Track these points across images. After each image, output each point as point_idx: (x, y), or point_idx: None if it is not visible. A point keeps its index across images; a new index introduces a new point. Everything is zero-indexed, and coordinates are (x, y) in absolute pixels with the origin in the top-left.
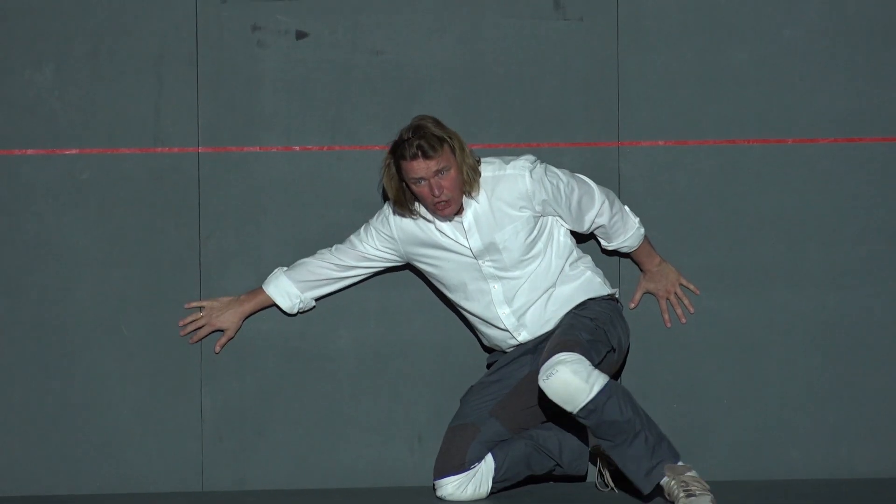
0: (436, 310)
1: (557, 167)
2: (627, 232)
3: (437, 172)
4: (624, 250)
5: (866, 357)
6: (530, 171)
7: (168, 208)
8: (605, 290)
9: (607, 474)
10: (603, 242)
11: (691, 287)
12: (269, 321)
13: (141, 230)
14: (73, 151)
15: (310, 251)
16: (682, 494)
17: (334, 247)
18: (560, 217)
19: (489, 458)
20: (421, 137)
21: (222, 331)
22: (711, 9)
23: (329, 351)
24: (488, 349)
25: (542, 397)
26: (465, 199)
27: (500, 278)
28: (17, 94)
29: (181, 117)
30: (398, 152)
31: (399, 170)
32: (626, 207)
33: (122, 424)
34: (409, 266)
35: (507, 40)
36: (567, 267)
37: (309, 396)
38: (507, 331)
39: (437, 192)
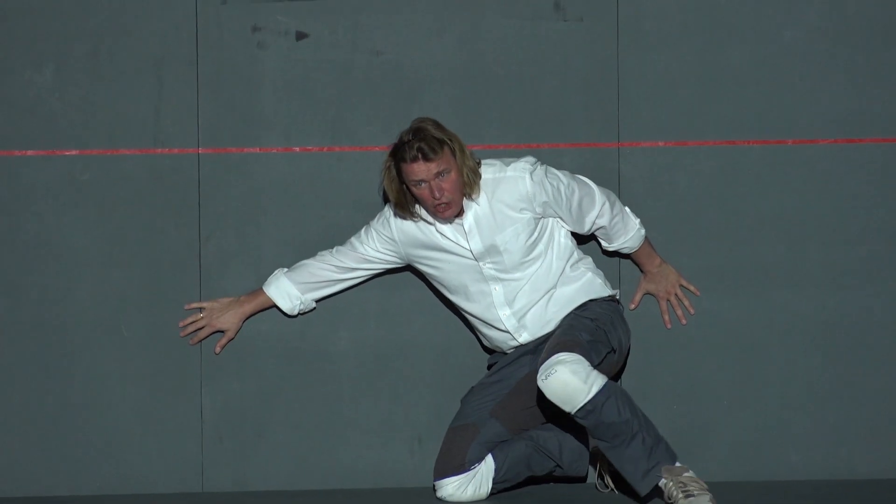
0: (436, 311)
1: (557, 168)
2: (628, 233)
3: (438, 175)
4: (624, 251)
5: (866, 358)
6: (531, 173)
7: (168, 209)
8: (605, 291)
9: (607, 475)
10: (603, 243)
11: (691, 288)
12: (270, 322)
13: (141, 231)
14: (74, 152)
15: (310, 252)
16: (680, 495)
17: (335, 248)
18: (561, 218)
19: (489, 458)
20: (421, 140)
21: (222, 332)
22: (711, 9)
23: (329, 352)
24: (489, 350)
25: (542, 397)
26: (465, 201)
27: (501, 280)
28: (17, 94)
29: (181, 118)
30: (398, 155)
31: (399, 172)
32: (626, 208)
33: (122, 425)
34: (409, 267)
35: (507, 41)
36: (568, 268)
37: (309, 397)
38: (507, 332)
39: (437, 195)
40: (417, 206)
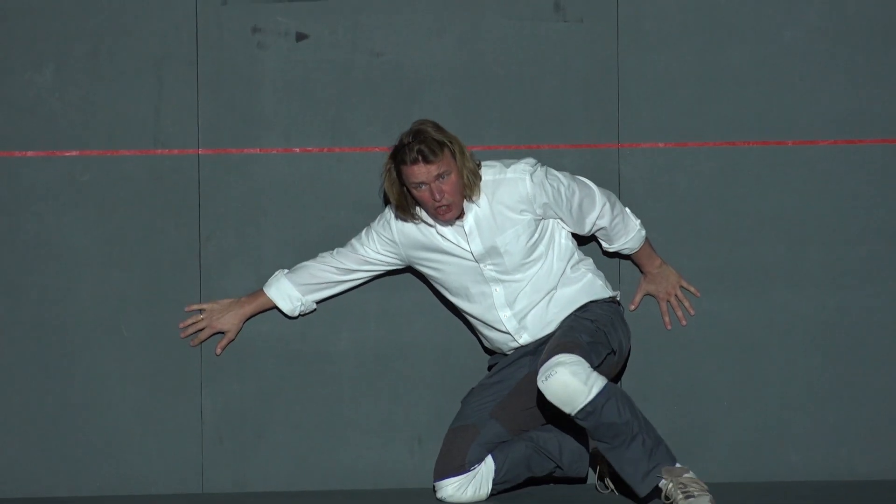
0: (436, 312)
1: (557, 169)
2: (629, 234)
3: (438, 177)
4: (625, 252)
5: (866, 358)
6: (531, 175)
7: (168, 210)
8: (606, 292)
9: (608, 476)
10: (604, 244)
11: (691, 289)
12: (270, 323)
13: (141, 232)
14: (74, 153)
15: (310, 253)
16: (680, 496)
17: (335, 250)
18: (561, 220)
19: (489, 459)
20: (421, 142)
21: (223, 333)
22: (711, 10)
23: (329, 353)
24: (489, 351)
25: (542, 399)
26: (465, 202)
27: (502, 281)
28: (17, 95)
29: (181, 119)
30: (398, 157)
31: (399, 174)
32: (626, 209)
33: (122, 426)
34: (409, 268)
35: (507, 41)
36: (568, 269)
37: (309, 398)
38: (508, 333)
39: (437, 197)
40: (418, 208)
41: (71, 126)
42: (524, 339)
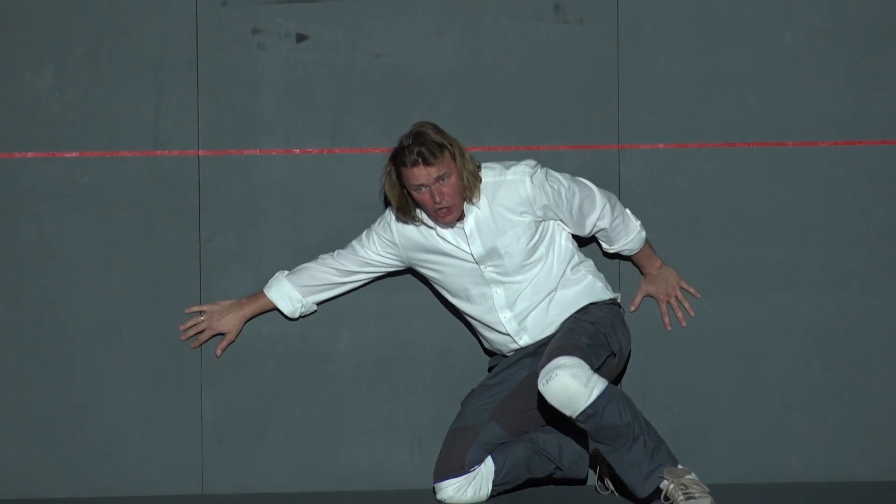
0: (436, 313)
1: (557, 170)
2: (629, 235)
3: (438, 179)
4: (625, 253)
5: (866, 359)
6: (531, 177)
7: (168, 211)
8: (606, 294)
9: (608, 478)
10: (604, 245)
11: (691, 290)
12: (270, 324)
13: (141, 233)
14: (74, 154)
15: (310, 254)
16: (681, 497)
17: (336, 252)
18: (561, 221)
19: (489, 460)
20: (421, 144)
21: (223, 334)
22: (711, 11)
23: (329, 354)
24: (489, 352)
25: (542, 401)
26: (466, 204)
27: (502, 283)
28: (17, 96)
29: (181, 120)
30: (398, 159)
31: (400, 177)
32: (627, 210)
33: (122, 427)
34: (409, 270)
35: (507, 43)
36: (569, 271)
37: (309, 399)
38: (508, 335)
39: (438, 199)
40: (419, 210)
41: (71, 127)
42: (524, 340)
